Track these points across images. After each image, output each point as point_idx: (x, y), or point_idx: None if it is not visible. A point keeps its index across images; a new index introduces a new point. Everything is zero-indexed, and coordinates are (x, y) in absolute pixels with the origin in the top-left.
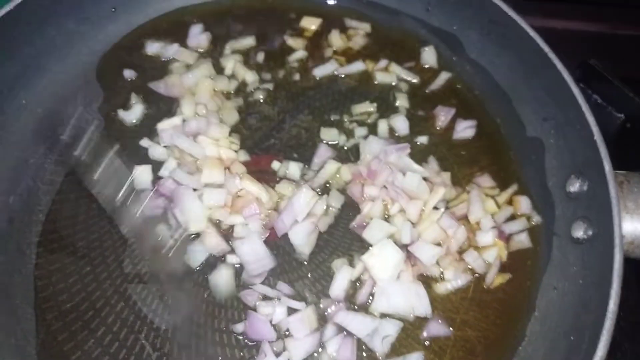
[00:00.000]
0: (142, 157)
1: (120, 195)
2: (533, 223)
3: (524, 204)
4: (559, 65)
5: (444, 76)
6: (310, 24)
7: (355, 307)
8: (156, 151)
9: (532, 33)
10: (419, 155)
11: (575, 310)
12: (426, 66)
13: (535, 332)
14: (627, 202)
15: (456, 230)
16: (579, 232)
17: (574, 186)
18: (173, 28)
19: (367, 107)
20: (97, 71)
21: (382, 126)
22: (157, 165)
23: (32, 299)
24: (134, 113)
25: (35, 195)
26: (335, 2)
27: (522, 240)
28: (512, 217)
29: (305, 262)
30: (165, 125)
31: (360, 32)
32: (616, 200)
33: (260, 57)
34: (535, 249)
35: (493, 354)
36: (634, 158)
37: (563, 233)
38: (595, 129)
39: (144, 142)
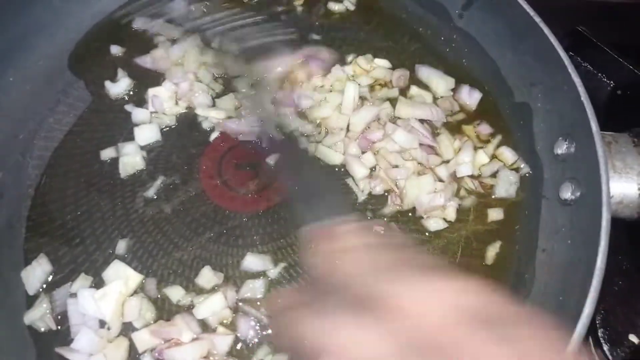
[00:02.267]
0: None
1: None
2: (521, 172)
3: (509, 154)
4: (546, 30)
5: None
6: None
7: None
8: (139, 115)
9: None
10: None
11: (564, 271)
12: None
13: (525, 294)
14: (615, 161)
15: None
16: (567, 193)
17: (562, 148)
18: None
19: None
20: (84, 47)
21: None
22: None
23: (20, 272)
24: (120, 86)
25: (24, 170)
26: None
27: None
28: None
29: None
30: (156, 91)
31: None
32: (604, 160)
33: None
34: (524, 213)
35: None
36: (624, 124)
37: (551, 195)
38: (581, 89)
39: (128, 107)
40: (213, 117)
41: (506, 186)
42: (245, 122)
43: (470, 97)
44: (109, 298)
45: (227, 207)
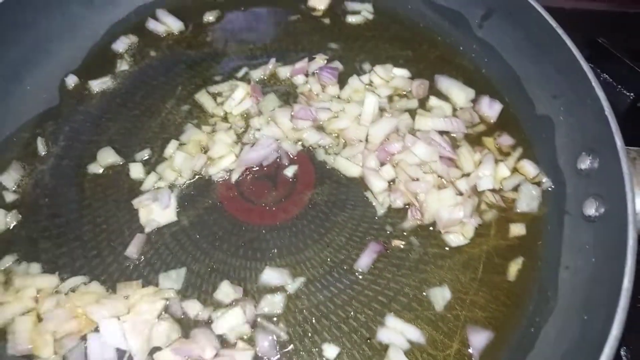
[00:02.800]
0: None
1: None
2: (543, 187)
3: (530, 168)
4: (568, 42)
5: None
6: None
7: None
8: None
9: (541, 10)
10: None
11: (588, 289)
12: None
13: (547, 312)
14: None
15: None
16: (591, 209)
17: (585, 163)
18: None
19: None
20: (98, 53)
21: None
22: None
23: None
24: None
25: (41, 181)
26: None
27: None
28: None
29: None
30: None
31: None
32: (629, 176)
33: None
34: (546, 228)
35: (503, 335)
36: None
37: (574, 211)
38: (605, 103)
39: None
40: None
41: (528, 200)
42: (261, 145)
43: (491, 109)
44: (138, 328)
45: (244, 220)
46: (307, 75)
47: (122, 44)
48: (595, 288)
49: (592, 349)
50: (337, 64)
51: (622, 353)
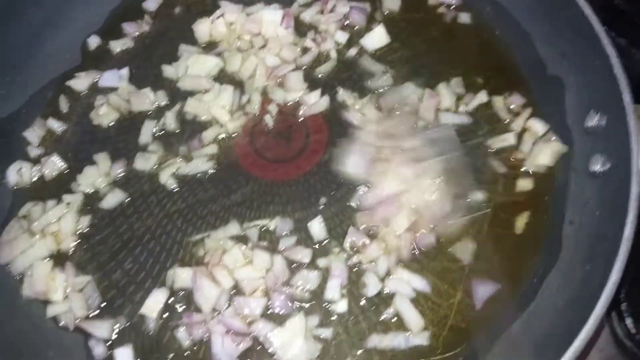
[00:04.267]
0: None
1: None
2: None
3: (539, 126)
4: (580, 1)
5: (464, 17)
6: None
7: None
8: None
9: None
10: None
11: (591, 242)
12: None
13: (550, 264)
14: None
15: None
16: (597, 165)
17: (593, 121)
18: None
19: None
20: (119, 14)
21: None
22: None
23: None
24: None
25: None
26: None
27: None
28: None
29: None
30: None
31: None
32: (635, 133)
33: None
34: (552, 185)
35: (506, 287)
36: None
37: (580, 168)
38: (615, 61)
39: None
40: None
41: (537, 158)
42: None
43: None
44: None
45: (257, 174)
46: None
47: (152, 3)
48: (597, 240)
49: (592, 296)
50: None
51: (623, 308)
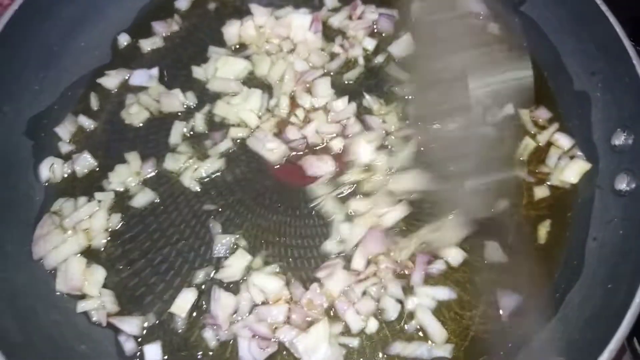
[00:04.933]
0: None
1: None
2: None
3: (565, 141)
4: (611, 18)
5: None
6: None
7: None
8: None
9: None
10: None
11: (614, 260)
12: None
13: (573, 279)
14: None
15: None
16: (622, 184)
17: (619, 139)
18: None
19: None
20: (148, 14)
21: None
22: None
23: None
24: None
25: None
26: None
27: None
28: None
29: None
30: None
31: None
32: None
33: None
34: (576, 201)
35: (530, 299)
36: None
37: (605, 185)
38: None
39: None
40: None
41: (562, 173)
42: None
43: None
44: None
45: (286, 180)
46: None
47: (184, 2)
48: (621, 259)
49: (614, 316)
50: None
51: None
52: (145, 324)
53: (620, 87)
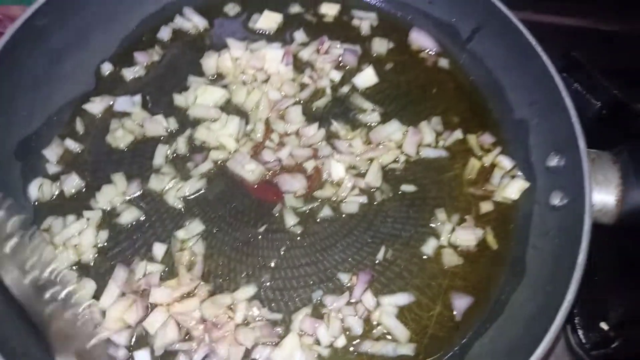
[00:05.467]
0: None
1: None
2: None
3: (506, 162)
4: (544, 57)
5: (443, 62)
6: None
7: None
8: None
9: (522, 28)
10: None
11: (551, 265)
12: (428, 51)
13: (516, 283)
14: (597, 175)
15: None
16: (556, 200)
17: (553, 161)
18: None
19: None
20: (130, 44)
21: None
22: None
23: None
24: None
25: None
26: None
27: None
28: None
29: None
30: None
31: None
32: (588, 174)
33: None
34: (517, 215)
35: (479, 301)
36: (607, 140)
37: (542, 201)
38: (573, 112)
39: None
40: None
41: (504, 191)
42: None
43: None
44: None
45: (262, 198)
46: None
47: (165, 33)
48: (556, 264)
49: (552, 311)
50: (357, 48)
51: (576, 321)
52: (135, 335)
53: (553, 116)
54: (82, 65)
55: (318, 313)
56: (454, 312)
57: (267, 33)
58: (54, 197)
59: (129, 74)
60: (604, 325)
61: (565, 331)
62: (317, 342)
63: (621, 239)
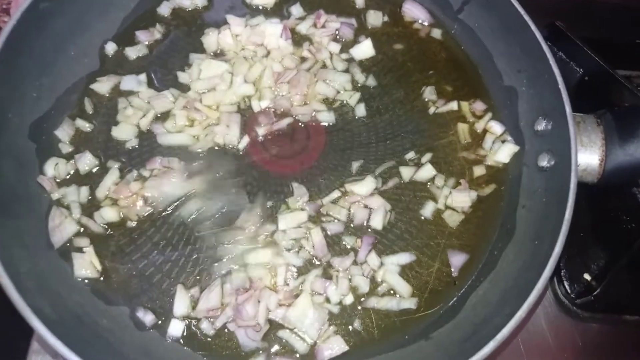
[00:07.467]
0: None
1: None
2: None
3: (497, 128)
4: (532, 26)
5: (435, 32)
6: None
7: None
8: None
9: None
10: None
11: (539, 222)
12: (421, 22)
13: (507, 240)
14: (582, 137)
15: None
16: (544, 162)
17: (541, 125)
18: None
19: None
20: (132, 23)
21: None
22: None
23: None
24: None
25: None
26: None
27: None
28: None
29: None
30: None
31: None
32: (574, 136)
33: None
34: (508, 177)
35: (473, 257)
36: (589, 105)
37: (531, 163)
38: (559, 79)
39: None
40: None
41: (495, 155)
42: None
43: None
44: None
45: (268, 169)
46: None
47: (166, 8)
48: (544, 221)
49: (540, 265)
50: (353, 21)
51: (562, 274)
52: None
53: (541, 82)
54: (86, 46)
55: (327, 274)
56: (451, 269)
57: (264, 8)
58: (69, 175)
59: (132, 53)
60: (587, 276)
61: (552, 283)
62: (328, 300)
63: (602, 198)
